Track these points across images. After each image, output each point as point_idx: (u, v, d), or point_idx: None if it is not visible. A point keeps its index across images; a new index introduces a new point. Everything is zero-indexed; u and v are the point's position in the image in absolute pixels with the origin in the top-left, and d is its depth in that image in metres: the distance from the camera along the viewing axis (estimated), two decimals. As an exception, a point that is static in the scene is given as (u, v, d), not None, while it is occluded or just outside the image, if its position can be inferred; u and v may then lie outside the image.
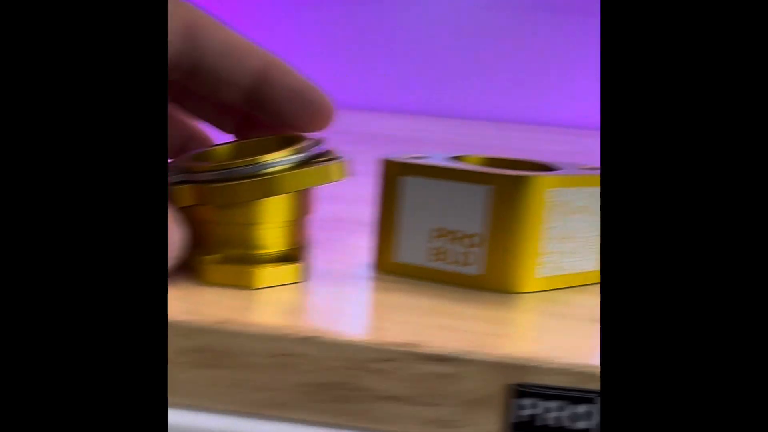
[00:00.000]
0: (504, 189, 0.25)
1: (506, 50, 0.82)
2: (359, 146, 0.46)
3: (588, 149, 0.66)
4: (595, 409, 0.20)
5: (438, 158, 0.27)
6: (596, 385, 0.20)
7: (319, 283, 0.26)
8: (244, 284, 0.25)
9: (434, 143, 0.63)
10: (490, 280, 0.26)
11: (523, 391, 0.20)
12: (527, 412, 0.20)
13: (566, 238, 0.26)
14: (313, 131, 0.28)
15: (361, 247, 0.29)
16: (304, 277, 0.26)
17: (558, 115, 0.82)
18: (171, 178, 0.25)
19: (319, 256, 0.28)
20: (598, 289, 0.27)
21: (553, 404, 0.20)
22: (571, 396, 0.20)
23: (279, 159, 0.25)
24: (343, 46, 0.83)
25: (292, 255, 0.26)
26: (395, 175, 0.26)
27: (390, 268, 0.27)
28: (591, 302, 0.26)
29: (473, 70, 0.83)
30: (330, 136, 0.27)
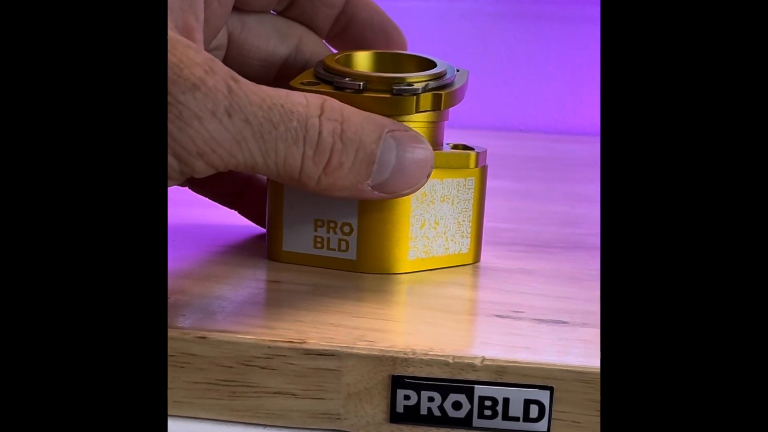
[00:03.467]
0: (372, 182, 0.28)
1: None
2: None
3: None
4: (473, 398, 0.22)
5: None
6: (474, 376, 0.22)
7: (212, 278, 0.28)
8: None
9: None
10: (365, 263, 0.29)
11: (402, 382, 0.22)
12: (408, 402, 0.22)
13: (434, 224, 0.29)
14: None
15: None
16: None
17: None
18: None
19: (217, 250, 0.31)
20: (468, 279, 0.30)
21: (432, 394, 0.22)
22: (448, 386, 0.22)
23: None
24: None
25: None
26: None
27: (280, 256, 0.30)
28: (464, 294, 0.28)
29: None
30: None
